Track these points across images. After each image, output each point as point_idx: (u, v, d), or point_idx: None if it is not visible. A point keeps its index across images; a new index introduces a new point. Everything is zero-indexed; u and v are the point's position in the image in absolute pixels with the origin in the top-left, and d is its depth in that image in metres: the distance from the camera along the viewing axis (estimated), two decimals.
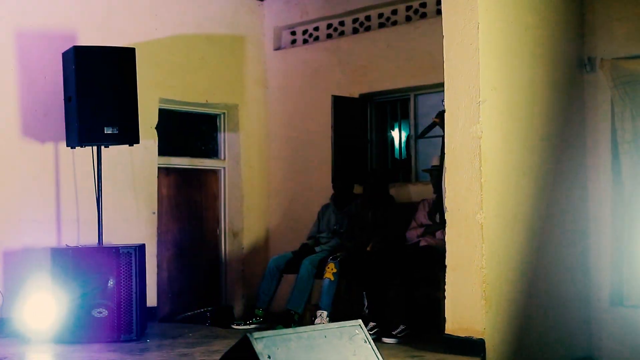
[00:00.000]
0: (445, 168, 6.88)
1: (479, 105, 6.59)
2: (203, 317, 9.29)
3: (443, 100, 6.91)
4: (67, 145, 8.13)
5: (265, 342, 3.68)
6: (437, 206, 7.76)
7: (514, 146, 6.87)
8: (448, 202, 6.78)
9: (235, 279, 10.15)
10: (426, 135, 8.38)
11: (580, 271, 7.41)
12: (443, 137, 7.00)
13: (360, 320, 4.25)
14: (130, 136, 8.01)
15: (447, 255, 6.75)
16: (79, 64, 7.80)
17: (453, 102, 6.78)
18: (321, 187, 9.45)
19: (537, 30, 7.17)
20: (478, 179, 6.57)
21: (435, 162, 7.99)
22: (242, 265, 10.17)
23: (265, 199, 10.36)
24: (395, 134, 9.63)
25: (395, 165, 9.59)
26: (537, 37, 7.17)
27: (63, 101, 8.12)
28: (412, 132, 9.24)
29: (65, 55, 8.07)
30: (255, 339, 3.69)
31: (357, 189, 9.10)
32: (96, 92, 7.84)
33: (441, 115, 7.04)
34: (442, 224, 7.04)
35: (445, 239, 6.79)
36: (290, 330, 3.91)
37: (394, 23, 9.38)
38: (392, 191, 8.84)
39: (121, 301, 7.63)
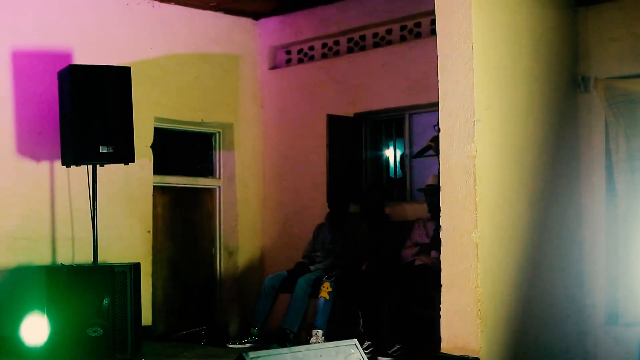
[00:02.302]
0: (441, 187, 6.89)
1: (474, 125, 6.59)
2: (198, 336, 9.29)
3: (435, 125, 6.92)
4: (63, 164, 8.14)
5: None
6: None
7: (508, 165, 6.88)
8: (442, 221, 6.78)
9: (230, 297, 10.13)
10: (423, 155, 8.40)
11: (576, 289, 7.40)
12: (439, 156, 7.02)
13: (355, 340, 4.25)
14: (125, 155, 8.01)
15: (442, 274, 6.74)
16: (75, 82, 7.82)
17: (447, 122, 6.78)
18: (316, 206, 9.45)
19: (532, 49, 7.19)
20: (473, 197, 6.57)
21: (430, 181, 8.01)
22: (237, 284, 10.15)
23: (260, 217, 10.36)
24: (390, 153, 9.65)
25: (390, 184, 9.60)
26: (532, 56, 7.18)
27: (59, 120, 8.13)
28: (407, 151, 9.25)
29: (60, 74, 8.10)
30: (251, 358, 3.69)
31: (353, 208, 9.11)
32: (91, 110, 7.85)
33: (435, 139, 7.05)
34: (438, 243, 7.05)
35: (440, 258, 6.78)
36: (285, 349, 3.91)
37: (389, 42, 9.41)
38: (387, 210, 8.86)
39: (116, 320, 7.62)
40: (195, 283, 10.02)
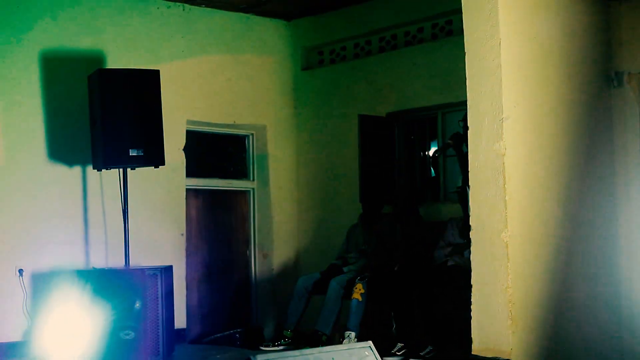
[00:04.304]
0: (469, 186, 6.79)
1: (502, 122, 6.48)
2: (233, 339, 9.27)
3: (460, 120, 6.82)
4: (94, 168, 8.19)
5: None
6: (466, 225, 7.67)
7: (538, 163, 6.75)
8: (472, 221, 6.68)
9: (265, 299, 10.11)
10: (452, 155, 8.29)
11: (612, 288, 7.24)
12: (462, 157, 6.92)
13: (370, 342, 4.18)
14: (155, 158, 8.02)
15: (472, 274, 6.64)
16: (104, 86, 7.86)
17: (476, 120, 6.69)
18: (350, 207, 9.39)
19: (562, 45, 7.05)
20: (502, 196, 6.46)
21: (460, 182, 7.91)
22: (272, 286, 10.12)
23: (294, 219, 10.32)
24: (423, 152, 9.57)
25: (424, 184, 9.50)
26: (562, 52, 7.05)
27: (89, 124, 8.16)
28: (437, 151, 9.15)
29: (90, 78, 8.12)
30: None
31: (386, 209, 9.03)
32: (121, 114, 7.89)
33: (455, 137, 6.95)
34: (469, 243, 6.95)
35: (471, 258, 6.68)
36: (296, 352, 3.86)
37: (420, 41, 9.33)
38: (421, 210, 8.76)
39: (147, 323, 7.62)
40: (229, 285, 10.01)
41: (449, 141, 7.68)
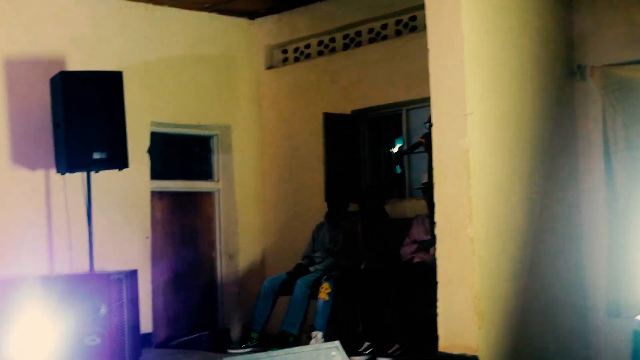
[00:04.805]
0: (434, 182, 6.77)
1: (466, 118, 6.48)
2: (200, 342, 9.21)
3: (426, 122, 6.83)
4: (57, 172, 8.09)
5: None
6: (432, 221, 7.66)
7: (503, 157, 6.76)
8: (437, 216, 6.67)
9: (231, 301, 10.03)
10: (414, 152, 8.28)
11: (576, 282, 7.26)
12: (429, 153, 6.91)
13: (337, 342, 4.13)
14: (119, 161, 7.96)
15: (437, 271, 6.63)
16: (66, 89, 7.78)
17: (439, 115, 6.69)
18: (316, 206, 9.33)
19: (525, 39, 7.06)
20: (467, 192, 6.46)
21: (425, 179, 7.88)
22: (238, 288, 10.04)
23: (260, 219, 10.26)
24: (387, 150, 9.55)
25: (389, 181, 9.48)
26: (525, 46, 7.06)
27: (52, 127, 8.06)
28: (405, 147, 9.12)
29: (52, 80, 8.03)
30: None
31: (352, 207, 8.99)
32: (84, 117, 7.81)
33: (426, 136, 6.94)
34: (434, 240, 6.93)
35: (436, 255, 6.67)
36: (263, 354, 3.80)
37: (384, 38, 9.30)
38: (387, 207, 8.72)
39: (113, 328, 7.54)
40: (195, 288, 9.92)
41: (421, 140, 7.66)
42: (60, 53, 8.69)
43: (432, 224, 7.43)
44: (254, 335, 8.49)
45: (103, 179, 8.37)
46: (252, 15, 10.25)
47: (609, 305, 7.17)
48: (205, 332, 9.36)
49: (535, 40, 7.17)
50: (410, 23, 9.07)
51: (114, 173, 8.25)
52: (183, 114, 9.71)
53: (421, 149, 7.84)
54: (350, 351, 4.57)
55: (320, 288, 8.10)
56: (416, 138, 8.02)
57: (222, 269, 10.07)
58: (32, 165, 8.45)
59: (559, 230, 7.17)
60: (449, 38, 6.63)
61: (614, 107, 7.16)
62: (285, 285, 8.56)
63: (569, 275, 7.20)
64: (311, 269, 8.64)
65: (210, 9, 9.83)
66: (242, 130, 10.19)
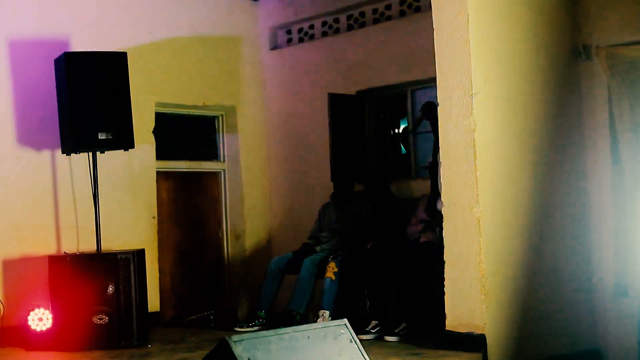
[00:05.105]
0: (440, 162, 6.81)
1: (472, 98, 6.51)
2: (206, 321, 9.25)
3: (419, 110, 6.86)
4: (62, 152, 8.12)
5: (244, 345, 3.60)
6: (432, 202, 7.69)
7: (509, 138, 6.79)
8: (444, 197, 6.71)
9: (238, 281, 10.08)
10: (421, 131, 8.31)
11: (583, 262, 7.29)
12: (435, 133, 6.94)
13: (345, 320, 4.17)
14: (124, 141, 7.98)
15: (444, 250, 6.69)
16: (71, 70, 7.78)
17: (445, 96, 6.72)
18: (322, 186, 9.37)
19: (530, 19, 7.08)
20: (473, 172, 6.50)
21: (432, 158, 7.92)
22: (245, 267, 10.09)
23: (266, 199, 10.29)
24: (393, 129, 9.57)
25: (395, 161, 9.50)
26: (530, 26, 7.07)
27: (57, 108, 8.08)
28: (410, 127, 9.15)
29: (57, 61, 8.04)
30: (234, 341, 3.62)
31: (358, 187, 9.03)
32: (89, 97, 7.83)
33: (424, 107, 6.96)
34: (440, 220, 6.96)
35: (443, 235, 6.71)
36: (271, 331, 3.83)
37: (388, 18, 9.29)
38: (393, 187, 8.75)
39: (121, 307, 7.60)
40: (202, 268, 9.96)
41: (420, 113, 7.73)
42: (65, 34, 8.69)
43: (431, 204, 7.52)
44: (261, 314, 8.53)
45: (108, 159, 8.41)
46: None
47: (616, 284, 7.22)
48: (212, 312, 9.40)
49: (541, 20, 7.18)
50: (415, 3, 9.06)
51: (119, 153, 8.30)
52: (188, 95, 9.72)
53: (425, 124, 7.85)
54: (357, 330, 4.61)
55: (326, 267, 8.13)
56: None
57: (229, 248, 10.10)
58: (38, 146, 8.47)
59: (565, 210, 7.20)
60: (454, 18, 6.65)
61: (620, 88, 7.17)
62: (292, 265, 8.60)
63: (576, 254, 7.24)
64: (317, 248, 8.67)
65: None
66: (247, 111, 10.20)
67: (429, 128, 7.96)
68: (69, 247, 8.41)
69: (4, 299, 8.05)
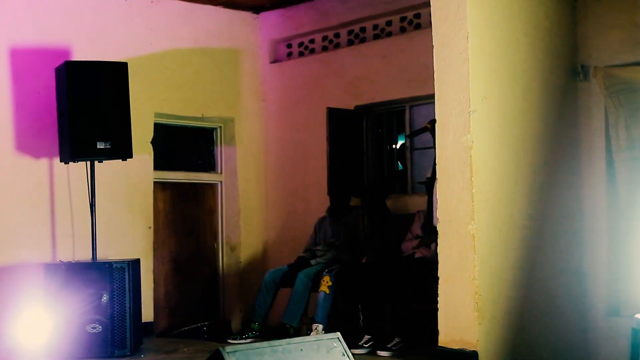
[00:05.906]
0: (437, 179, 6.83)
1: (470, 115, 6.53)
2: (200, 332, 9.25)
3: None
4: (61, 161, 8.14)
5: (238, 356, 3.61)
6: (428, 218, 7.72)
7: (506, 156, 6.81)
8: (439, 213, 6.72)
9: (233, 293, 10.09)
10: (418, 147, 8.33)
11: (576, 281, 7.31)
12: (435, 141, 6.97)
13: (338, 333, 4.18)
14: (123, 151, 8.01)
15: (439, 266, 6.69)
16: (71, 79, 7.82)
17: (443, 113, 6.73)
18: (318, 200, 9.40)
19: (529, 39, 7.11)
20: (469, 189, 6.51)
21: (429, 173, 7.94)
22: (239, 279, 10.10)
23: (262, 212, 10.31)
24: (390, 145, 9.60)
25: (392, 176, 9.53)
26: (529, 45, 7.11)
27: (57, 116, 8.11)
28: (408, 143, 9.18)
29: (57, 70, 8.07)
30: (228, 352, 3.63)
31: (354, 201, 9.05)
32: (88, 107, 7.86)
33: (433, 122, 6.99)
34: (435, 236, 6.98)
35: (437, 251, 6.73)
36: (264, 343, 3.85)
37: (389, 34, 9.34)
38: (389, 203, 8.79)
39: (115, 316, 7.61)
40: (197, 279, 9.97)
41: (427, 124, 7.72)
42: (66, 43, 8.72)
43: (427, 220, 7.53)
44: (255, 326, 8.54)
45: (106, 168, 8.42)
46: (257, 9, 10.29)
47: (609, 304, 7.23)
48: (206, 323, 9.40)
49: (539, 40, 7.21)
50: (415, 20, 9.12)
51: (117, 163, 8.30)
52: (187, 106, 9.76)
53: (428, 139, 7.85)
54: (350, 344, 4.63)
55: (321, 281, 8.14)
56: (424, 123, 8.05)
57: (224, 260, 10.13)
58: (36, 153, 8.49)
59: (560, 229, 7.22)
60: (454, 35, 6.67)
61: (617, 108, 7.21)
62: (287, 278, 8.61)
63: (569, 273, 7.26)
64: (312, 262, 8.69)
65: (216, 2, 9.88)
66: (246, 124, 10.24)
67: (427, 145, 8.00)
68: (65, 255, 8.42)
69: None
